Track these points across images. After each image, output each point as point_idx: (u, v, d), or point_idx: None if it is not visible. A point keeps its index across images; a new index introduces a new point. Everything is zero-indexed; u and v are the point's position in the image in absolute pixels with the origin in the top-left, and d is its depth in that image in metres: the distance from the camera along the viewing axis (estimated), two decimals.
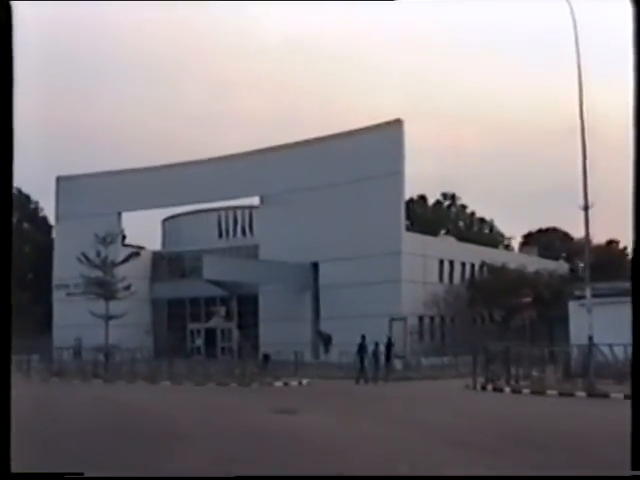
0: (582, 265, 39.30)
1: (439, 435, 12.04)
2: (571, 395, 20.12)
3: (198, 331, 50.07)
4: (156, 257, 53.98)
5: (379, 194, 42.76)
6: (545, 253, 59.27)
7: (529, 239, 68.81)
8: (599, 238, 51.68)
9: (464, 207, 70.99)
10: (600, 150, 23.57)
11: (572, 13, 20.62)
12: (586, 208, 20.98)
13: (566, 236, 65.53)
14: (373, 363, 29.02)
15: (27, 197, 58.79)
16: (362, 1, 53.19)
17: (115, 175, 51.66)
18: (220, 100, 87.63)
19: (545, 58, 75.24)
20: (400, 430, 12.86)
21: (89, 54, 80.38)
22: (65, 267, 44.99)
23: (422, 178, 68.30)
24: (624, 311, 5.78)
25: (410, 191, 55.80)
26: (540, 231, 69.20)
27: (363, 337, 29.38)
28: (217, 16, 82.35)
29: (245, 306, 47.89)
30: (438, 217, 67.78)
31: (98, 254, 36.38)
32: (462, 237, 57.36)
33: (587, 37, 20.89)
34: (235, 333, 42.79)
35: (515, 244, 71.26)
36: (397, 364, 35.21)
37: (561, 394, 20.33)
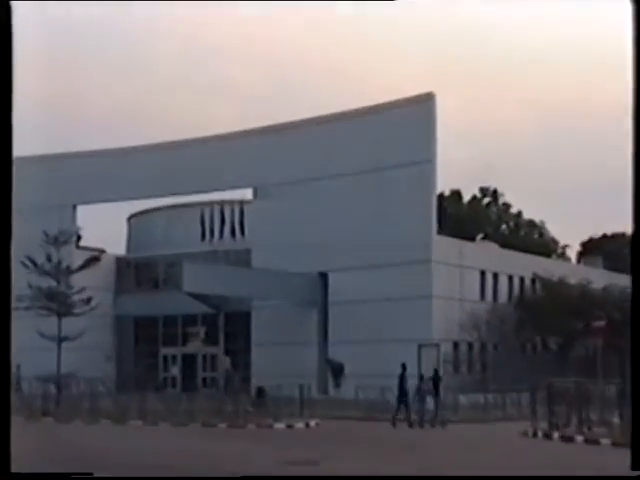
0: None
1: None
2: None
3: (173, 357, 49.83)
4: (120, 263, 53.64)
5: (404, 187, 42.51)
6: (612, 265, 58.62)
7: (590, 247, 68.49)
8: None
9: (507, 206, 70.70)
10: None
11: None
12: None
13: None
14: (417, 401, 28.89)
15: None
16: None
17: (69, 158, 51.40)
18: (206, 69, 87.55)
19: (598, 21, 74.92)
20: None
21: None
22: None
23: (454, 168, 68.10)
24: None
25: (440, 184, 55.44)
26: (605, 237, 68.89)
27: (404, 367, 29.49)
28: None
29: (233, 326, 47.46)
30: (475, 217, 67.53)
31: (49, 258, 35.88)
32: (505, 243, 57.03)
33: None
34: (224, 360, 42.31)
35: (572, 253, 70.99)
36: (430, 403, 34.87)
37: None
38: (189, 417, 28.55)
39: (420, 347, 38.49)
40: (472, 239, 56.50)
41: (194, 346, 49.26)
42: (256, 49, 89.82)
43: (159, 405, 30.12)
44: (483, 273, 46.59)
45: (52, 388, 33.55)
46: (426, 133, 42.71)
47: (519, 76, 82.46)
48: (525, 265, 49.17)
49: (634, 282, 5.93)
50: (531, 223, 71.39)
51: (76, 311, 35.91)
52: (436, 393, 29.45)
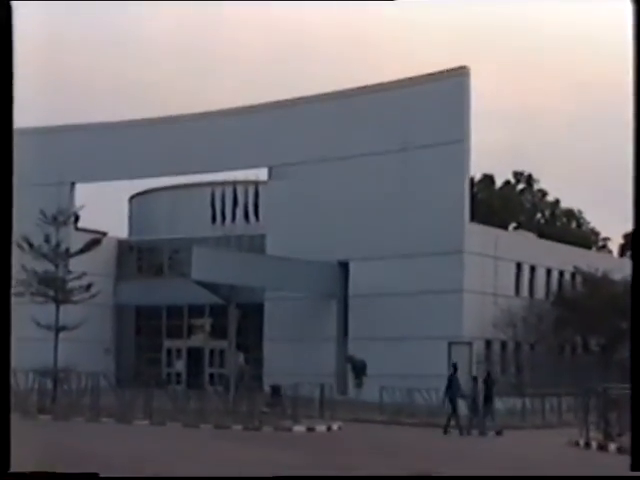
0: None
1: None
2: None
3: (178, 351, 49.75)
4: (122, 247, 53.26)
5: (434, 169, 42.19)
6: None
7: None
8: None
9: (543, 193, 70.07)
10: None
11: None
12: None
13: None
14: (471, 406, 28.59)
15: None
16: None
17: (68, 131, 51.07)
18: (216, 38, 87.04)
19: None
20: None
21: None
22: None
23: (485, 151, 67.38)
24: None
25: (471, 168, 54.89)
26: None
27: (455, 367, 29.19)
28: None
29: (244, 319, 47.06)
30: (507, 205, 66.86)
31: (47, 239, 35.41)
32: (540, 234, 56.62)
33: None
34: (237, 356, 41.94)
35: (614, 246, 70.28)
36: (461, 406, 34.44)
37: None
38: (199, 417, 28.21)
39: (450, 345, 38.04)
40: (504, 228, 55.90)
41: (200, 339, 49.01)
42: (271, 19, 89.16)
43: (166, 403, 29.79)
44: (519, 265, 46.11)
45: (48, 383, 33.07)
46: (459, 110, 42.28)
47: (555, 55, 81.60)
48: (565, 258, 48.71)
49: (634, 283, 6.02)
50: (569, 213, 70.78)
51: (75, 298, 35.44)
52: (490, 398, 28.82)
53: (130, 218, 58.94)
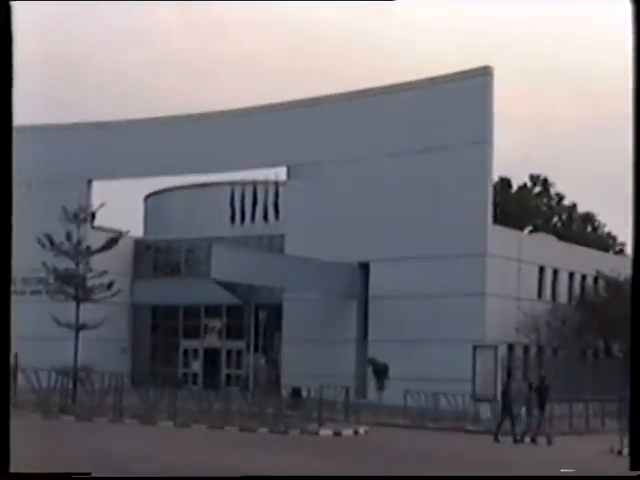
0: None
1: None
2: None
3: (194, 351, 49.26)
4: (139, 246, 52.77)
5: (456, 170, 41.60)
6: None
7: None
8: None
9: (560, 197, 69.57)
10: None
11: None
12: None
13: None
14: (525, 412, 27.83)
15: None
16: None
17: (85, 129, 50.65)
18: (232, 39, 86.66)
19: None
20: None
21: None
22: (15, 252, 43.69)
23: (502, 153, 66.81)
24: None
25: None
26: None
27: (509, 373, 28.42)
28: None
29: (262, 320, 46.65)
30: (523, 208, 66.35)
31: (68, 236, 34.93)
32: (558, 238, 55.99)
33: None
34: (257, 358, 41.52)
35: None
36: (485, 411, 33.85)
37: None
38: (224, 419, 27.71)
39: (475, 349, 37.40)
40: (520, 231, 55.38)
41: (216, 340, 48.57)
42: (288, 19, 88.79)
43: (187, 404, 29.30)
44: (542, 269, 45.53)
45: (67, 382, 32.60)
46: (482, 111, 41.70)
47: (572, 59, 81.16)
48: (586, 261, 48.11)
49: (634, 282, 6.11)
50: (586, 216, 70.16)
51: (95, 297, 34.96)
52: (543, 404, 27.84)
53: (145, 217, 58.48)
